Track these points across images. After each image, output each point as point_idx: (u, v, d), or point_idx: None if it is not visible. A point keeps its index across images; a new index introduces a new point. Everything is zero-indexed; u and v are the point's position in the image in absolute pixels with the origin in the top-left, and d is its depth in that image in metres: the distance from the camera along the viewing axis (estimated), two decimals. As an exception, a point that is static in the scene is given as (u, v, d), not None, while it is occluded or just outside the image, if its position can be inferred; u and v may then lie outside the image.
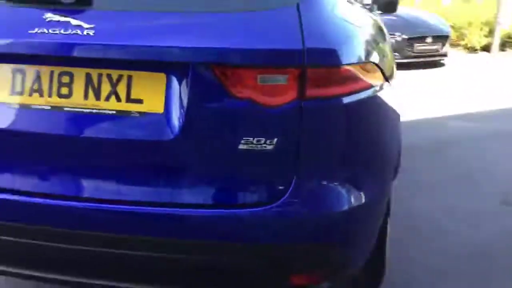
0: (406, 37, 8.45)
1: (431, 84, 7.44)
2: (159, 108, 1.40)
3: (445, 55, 9.01)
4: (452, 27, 10.53)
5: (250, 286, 1.56)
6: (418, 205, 3.20)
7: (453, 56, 9.82)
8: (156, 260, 1.44)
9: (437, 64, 9.04)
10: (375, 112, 1.62)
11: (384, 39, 2.09)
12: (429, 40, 8.65)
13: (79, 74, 1.42)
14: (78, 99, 1.42)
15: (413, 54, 8.56)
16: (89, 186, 1.45)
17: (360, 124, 1.54)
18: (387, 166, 1.76)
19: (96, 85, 1.41)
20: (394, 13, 8.78)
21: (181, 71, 1.38)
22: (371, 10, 3.72)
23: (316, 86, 1.40)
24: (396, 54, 8.29)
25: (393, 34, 8.38)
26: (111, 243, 1.42)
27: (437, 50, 8.79)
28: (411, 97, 6.34)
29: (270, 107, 1.39)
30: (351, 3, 1.89)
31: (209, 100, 1.38)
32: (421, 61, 8.69)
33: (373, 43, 1.76)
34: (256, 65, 1.37)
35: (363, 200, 1.56)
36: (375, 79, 1.61)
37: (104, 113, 1.41)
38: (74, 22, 1.38)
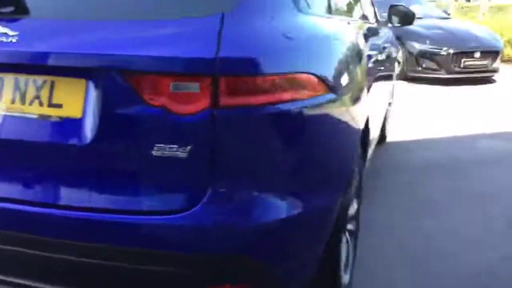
0: (452, 51, 8.16)
1: (475, 100, 7.15)
2: (78, 113, 1.44)
3: (495, 71, 8.62)
4: (508, 42, 10.09)
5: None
6: (422, 225, 3.07)
7: (507, 72, 9.39)
8: (70, 263, 1.46)
9: (488, 81, 8.67)
10: (306, 123, 1.58)
11: (354, 53, 2.04)
12: (477, 55, 8.31)
13: (9, 79, 1.49)
14: (7, 103, 1.49)
15: (459, 69, 8.25)
16: (13, 188, 1.51)
17: (285, 135, 1.51)
18: (328, 179, 1.71)
19: (22, 90, 1.47)
20: (441, 27, 8.53)
21: (98, 78, 1.41)
22: (386, 23, 3.67)
23: (230, 95, 1.39)
24: (439, 69, 8.04)
25: (439, 49, 8.14)
26: (29, 244, 1.46)
27: (486, 66, 8.42)
28: (448, 113, 6.13)
29: (183, 115, 1.39)
30: (311, 14, 1.86)
31: (123, 107, 1.41)
32: (470, 77, 8.36)
33: (319, 55, 1.72)
34: (168, 72, 1.38)
35: (288, 213, 1.53)
36: (311, 90, 1.58)
37: (28, 117, 1.46)
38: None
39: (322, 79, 1.64)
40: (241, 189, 1.47)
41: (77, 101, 1.44)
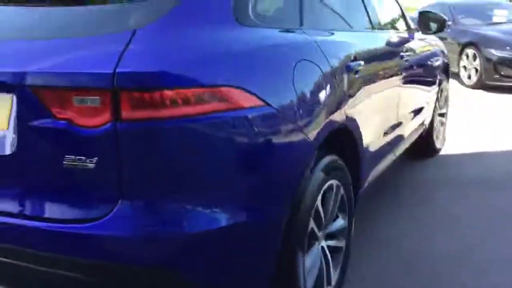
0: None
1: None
2: (5, 126, 1.54)
3: None
4: None
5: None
6: (434, 243, 2.87)
7: None
8: None
9: None
10: (226, 135, 1.56)
11: (313, 66, 1.97)
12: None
13: None
14: None
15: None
16: None
17: (198, 147, 1.50)
18: (260, 194, 1.67)
19: None
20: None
21: (18, 93, 1.51)
22: (417, 31, 3.49)
23: (132, 109, 1.42)
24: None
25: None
26: None
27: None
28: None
29: (87, 127, 1.45)
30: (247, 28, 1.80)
31: (35, 120, 1.49)
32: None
33: (252, 68, 1.68)
34: (71, 87, 1.45)
35: (204, 226, 1.53)
36: (235, 103, 1.57)
37: None
38: None
39: (252, 92, 1.62)
40: (151, 201, 1.50)
41: (4, 115, 1.54)
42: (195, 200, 1.53)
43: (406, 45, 3.27)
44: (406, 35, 3.46)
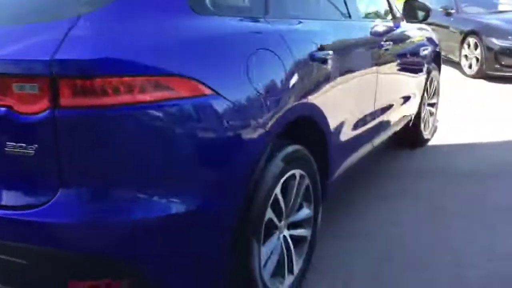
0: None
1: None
2: None
3: None
4: None
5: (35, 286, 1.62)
6: (413, 233, 2.86)
7: None
8: None
9: None
10: (171, 124, 1.57)
11: (272, 55, 1.96)
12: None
13: None
14: None
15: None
16: None
17: (139, 135, 1.51)
18: (203, 182, 1.67)
19: None
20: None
21: None
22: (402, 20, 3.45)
23: (71, 96, 1.43)
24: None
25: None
26: None
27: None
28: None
29: (27, 114, 1.45)
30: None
31: None
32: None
33: (202, 57, 1.67)
34: (10, 74, 1.45)
35: (148, 214, 1.54)
36: (182, 92, 1.57)
37: None
38: None
39: (201, 82, 1.62)
40: (93, 189, 1.50)
41: None
42: (140, 188, 1.54)
43: (387, 35, 3.23)
44: (389, 24, 3.42)
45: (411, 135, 4.31)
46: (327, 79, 2.36)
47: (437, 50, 4.44)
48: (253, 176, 1.86)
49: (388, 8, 3.57)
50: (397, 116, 3.56)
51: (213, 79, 1.66)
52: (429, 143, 4.55)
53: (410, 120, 4.04)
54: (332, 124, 2.44)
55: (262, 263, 2.01)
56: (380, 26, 3.22)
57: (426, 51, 4.05)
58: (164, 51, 1.58)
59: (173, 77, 1.56)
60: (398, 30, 3.48)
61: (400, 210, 3.19)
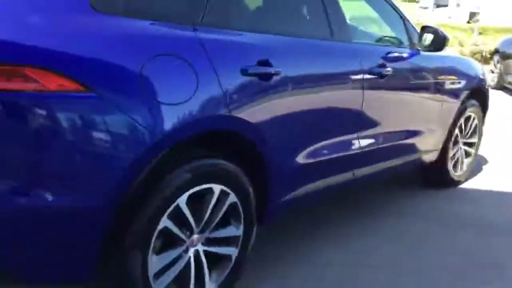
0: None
1: None
2: None
3: None
4: None
5: None
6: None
7: None
8: None
9: None
10: (29, 116, 1.61)
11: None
12: None
13: None
14: None
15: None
16: None
17: None
18: (68, 181, 1.71)
19: None
20: None
21: None
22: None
23: None
24: None
25: None
26: None
27: None
28: None
29: None
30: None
31: None
32: None
33: (81, 53, 1.71)
34: None
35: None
36: (49, 85, 1.61)
37: None
38: None
39: (73, 78, 1.65)
40: None
41: None
42: None
43: (389, 61, 3.03)
44: (397, 50, 3.22)
45: (435, 173, 3.98)
46: (270, 96, 2.27)
47: (480, 85, 4.07)
48: (134, 182, 1.84)
49: (405, 33, 3.34)
50: (396, 150, 3.29)
51: (90, 77, 1.69)
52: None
53: (433, 156, 3.73)
54: (276, 145, 2.35)
55: (153, 271, 1.98)
56: (380, 50, 3.04)
57: (458, 85, 3.73)
58: (31, 41, 1.62)
59: (33, 69, 1.59)
60: (410, 58, 3.24)
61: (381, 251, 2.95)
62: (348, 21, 2.95)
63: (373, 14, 3.45)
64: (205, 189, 2.08)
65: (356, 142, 2.89)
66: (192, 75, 1.96)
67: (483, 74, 4.19)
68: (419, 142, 3.48)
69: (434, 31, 3.26)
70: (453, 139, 3.92)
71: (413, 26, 3.40)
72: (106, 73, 1.75)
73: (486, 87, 4.22)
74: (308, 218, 3.23)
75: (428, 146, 3.62)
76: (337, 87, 2.69)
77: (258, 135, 2.26)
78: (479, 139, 4.31)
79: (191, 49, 2.00)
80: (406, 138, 3.34)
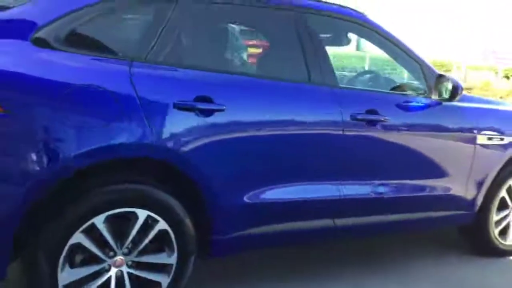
0: None
1: None
2: None
3: None
4: None
5: None
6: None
7: None
8: None
9: None
10: None
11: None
12: None
13: None
14: None
15: None
16: None
17: None
18: None
19: None
20: None
21: None
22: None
23: None
24: None
25: None
26: None
27: None
28: None
29: None
30: None
31: None
32: None
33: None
34: None
35: None
36: None
37: None
38: None
39: None
40: None
41: None
42: None
43: (391, 108, 2.90)
44: (411, 98, 3.04)
45: (474, 239, 3.56)
46: (210, 131, 2.35)
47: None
48: (37, 198, 2.04)
49: (423, 82, 3.13)
50: (398, 204, 3.04)
51: (6, 98, 1.96)
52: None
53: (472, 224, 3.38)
54: (218, 181, 2.39)
55: (63, 282, 2.13)
56: (381, 98, 2.95)
57: (500, 141, 3.33)
58: None
59: None
60: (421, 107, 3.02)
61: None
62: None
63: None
64: (127, 212, 2.21)
65: (334, 188, 2.76)
66: (114, 105, 2.14)
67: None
68: (433, 199, 3.17)
69: (446, 80, 3.02)
70: (496, 202, 3.48)
71: (434, 73, 3.15)
72: (23, 95, 2.01)
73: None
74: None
75: (450, 206, 3.27)
76: (303, 131, 2.65)
77: (193, 168, 2.33)
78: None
79: (115, 82, 2.18)
80: (413, 192, 3.06)
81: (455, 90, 3.01)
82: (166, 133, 2.25)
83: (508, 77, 15.46)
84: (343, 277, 3.04)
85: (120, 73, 2.21)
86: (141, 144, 2.21)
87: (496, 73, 15.76)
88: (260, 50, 2.91)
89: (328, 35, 3.31)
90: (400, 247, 3.62)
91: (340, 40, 3.62)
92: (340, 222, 2.84)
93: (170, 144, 2.26)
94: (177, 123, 2.28)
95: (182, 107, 2.28)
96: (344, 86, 2.90)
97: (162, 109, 2.25)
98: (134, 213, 2.23)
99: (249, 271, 3.01)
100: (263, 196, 2.56)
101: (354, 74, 3.94)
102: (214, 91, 2.37)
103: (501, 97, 12.64)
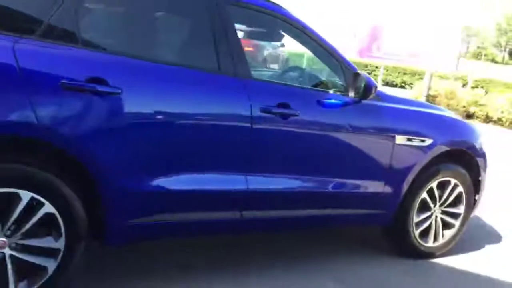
0: None
1: None
2: None
3: None
4: None
5: None
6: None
7: None
8: None
9: None
10: None
11: None
12: None
13: None
14: None
15: None
16: None
17: None
18: None
19: None
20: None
21: None
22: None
23: None
24: None
25: None
26: None
27: None
28: None
29: None
30: None
31: None
32: None
33: None
34: None
35: None
36: None
37: None
38: None
39: None
40: None
41: None
42: None
43: (304, 103, 2.89)
44: (328, 95, 3.04)
45: (395, 239, 3.58)
46: (102, 114, 2.31)
47: (463, 147, 3.61)
48: None
49: (342, 79, 3.13)
50: (305, 199, 3.03)
51: None
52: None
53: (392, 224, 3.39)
54: (110, 165, 2.35)
55: None
56: (295, 92, 2.96)
57: (420, 143, 3.33)
58: None
59: None
60: (336, 104, 3.01)
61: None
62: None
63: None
64: (9, 193, 2.15)
65: (242, 180, 2.74)
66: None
67: (473, 136, 3.71)
68: (347, 197, 3.16)
69: (361, 78, 3.01)
70: (417, 203, 3.49)
71: (351, 71, 3.13)
72: None
73: (477, 152, 3.71)
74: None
75: (366, 204, 3.27)
76: (207, 120, 2.62)
77: (80, 150, 2.28)
78: (468, 210, 3.78)
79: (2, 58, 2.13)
80: (325, 188, 3.04)
81: (368, 89, 3.00)
82: (50, 113, 2.19)
83: (477, 87, 15.82)
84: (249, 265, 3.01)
85: (4, 48, 2.15)
86: (22, 123, 2.14)
87: (465, 84, 16.04)
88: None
89: (254, 29, 3.30)
90: (317, 243, 3.62)
91: (270, 35, 3.61)
92: (248, 214, 2.82)
93: (54, 125, 2.20)
94: (64, 104, 2.23)
95: (69, 87, 2.22)
96: (257, 78, 2.87)
97: (47, 88, 2.19)
98: (17, 194, 2.17)
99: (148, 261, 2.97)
100: (163, 184, 2.52)
101: (279, 70, 3.93)
102: (110, 74, 2.33)
103: (463, 106, 12.94)
